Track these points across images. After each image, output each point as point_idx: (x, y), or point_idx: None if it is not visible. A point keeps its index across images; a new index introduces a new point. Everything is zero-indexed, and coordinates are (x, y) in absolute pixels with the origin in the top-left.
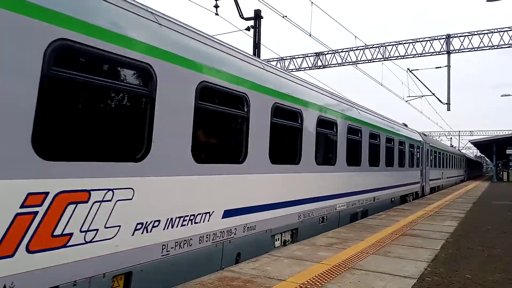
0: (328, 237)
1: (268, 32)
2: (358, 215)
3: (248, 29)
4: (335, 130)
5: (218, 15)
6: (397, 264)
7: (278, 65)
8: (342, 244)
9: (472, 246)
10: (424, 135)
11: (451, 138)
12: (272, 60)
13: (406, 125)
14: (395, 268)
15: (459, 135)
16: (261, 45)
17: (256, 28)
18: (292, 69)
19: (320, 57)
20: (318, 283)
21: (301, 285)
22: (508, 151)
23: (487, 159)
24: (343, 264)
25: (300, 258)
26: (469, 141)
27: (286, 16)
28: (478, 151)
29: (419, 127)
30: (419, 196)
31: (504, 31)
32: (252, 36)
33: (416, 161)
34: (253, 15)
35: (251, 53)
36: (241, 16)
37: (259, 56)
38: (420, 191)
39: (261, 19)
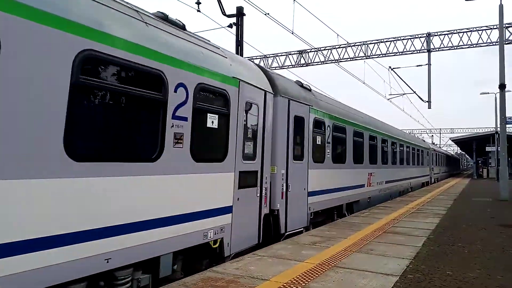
0: (312, 236)
1: (251, 30)
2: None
3: (230, 26)
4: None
5: (200, 11)
6: (380, 261)
7: (262, 63)
8: (326, 242)
9: (453, 242)
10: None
11: (432, 135)
12: (255, 57)
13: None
14: (378, 266)
15: (440, 133)
16: (243, 42)
17: (239, 25)
18: (275, 67)
19: (303, 55)
20: (301, 282)
21: (285, 284)
22: (488, 149)
23: (468, 156)
24: (327, 262)
25: (283, 257)
26: (450, 139)
27: (268, 14)
28: (458, 148)
29: (401, 125)
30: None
31: (483, 30)
32: (235, 34)
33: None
34: (235, 12)
35: (234, 50)
36: (223, 13)
37: (242, 54)
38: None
39: (244, 16)
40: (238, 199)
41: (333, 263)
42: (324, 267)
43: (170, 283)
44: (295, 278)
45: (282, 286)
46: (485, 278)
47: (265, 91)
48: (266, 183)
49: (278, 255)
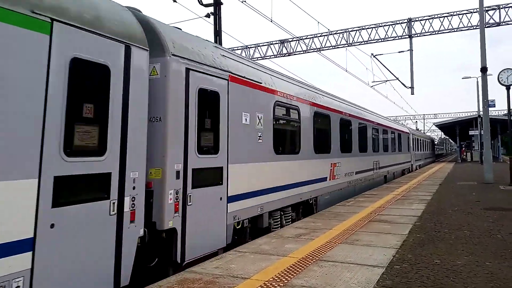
0: (296, 228)
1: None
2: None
3: (208, 16)
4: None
5: (176, 1)
6: (365, 252)
7: (243, 54)
8: (310, 234)
9: (439, 229)
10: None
11: (416, 121)
12: (236, 48)
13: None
14: (363, 257)
15: (424, 119)
16: (222, 32)
17: (216, 15)
18: (257, 58)
19: (285, 45)
20: (284, 279)
21: (266, 282)
22: (471, 132)
23: (451, 141)
24: (311, 256)
25: (266, 252)
26: (434, 124)
27: (245, 1)
28: (442, 133)
29: (385, 112)
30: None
31: (463, 14)
32: (213, 24)
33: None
34: (212, 1)
35: (213, 41)
36: (200, 2)
37: (220, 44)
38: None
39: (221, 5)
40: (52, 225)
41: (317, 257)
42: (307, 261)
43: (148, 285)
44: (278, 275)
45: (263, 285)
46: (473, 266)
47: (129, 45)
48: (134, 191)
49: (261, 250)
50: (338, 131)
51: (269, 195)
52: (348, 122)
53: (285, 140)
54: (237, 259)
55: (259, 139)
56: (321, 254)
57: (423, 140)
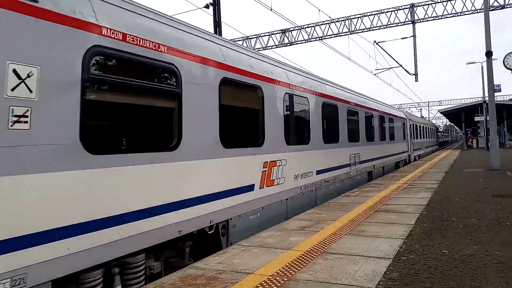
0: (301, 220)
1: (231, 11)
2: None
3: (207, 6)
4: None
5: None
6: (372, 244)
7: (245, 44)
8: (315, 226)
9: (446, 218)
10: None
11: (420, 109)
12: (237, 39)
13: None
14: (369, 248)
15: (429, 106)
16: (222, 23)
17: (216, 5)
18: (259, 48)
19: (286, 34)
20: (288, 273)
21: (270, 277)
22: (476, 118)
23: (457, 128)
24: (316, 248)
25: (270, 246)
26: (439, 111)
27: None
28: (447, 120)
29: (389, 100)
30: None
31: None
32: (212, 14)
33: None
34: None
35: (212, 31)
36: None
37: (220, 34)
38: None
39: None
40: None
41: (322, 249)
42: (312, 254)
43: (148, 283)
44: (282, 269)
45: (266, 279)
46: (483, 255)
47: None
48: None
49: (265, 244)
50: (278, 113)
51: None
52: (302, 100)
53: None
54: (240, 253)
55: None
56: (326, 246)
57: (423, 126)
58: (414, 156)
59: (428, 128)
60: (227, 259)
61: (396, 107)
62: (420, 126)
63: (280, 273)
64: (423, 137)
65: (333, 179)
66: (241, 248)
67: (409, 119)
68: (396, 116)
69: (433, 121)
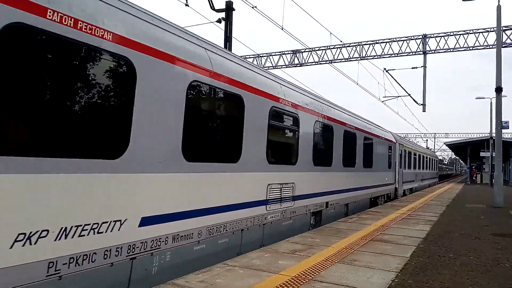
0: (293, 243)
1: (243, 29)
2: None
3: (219, 21)
4: None
5: (188, 5)
6: (363, 275)
7: (255, 62)
8: (307, 251)
9: (444, 253)
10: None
11: (427, 140)
12: (248, 56)
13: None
14: (360, 279)
15: (435, 137)
16: (233, 38)
17: (228, 21)
18: (269, 67)
19: (297, 55)
20: None
21: None
22: (482, 154)
23: (461, 162)
24: (304, 274)
25: (257, 268)
26: (444, 143)
27: (256, 7)
28: (452, 153)
29: (395, 129)
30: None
31: (480, 32)
32: (224, 29)
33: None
34: (224, 7)
35: (222, 46)
36: (212, 7)
37: (230, 49)
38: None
39: (233, 11)
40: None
41: (310, 276)
42: (300, 280)
43: None
44: None
45: None
46: None
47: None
48: None
49: (252, 265)
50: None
51: None
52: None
53: None
54: (224, 273)
55: None
56: (315, 273)
57: (420, 155)
58: (404, 190)
59: (427, 157)
60: (209, 278)
61: (402, 136)
62: (415, 154)
63: None
64: (419, 167)
65: (231, 227)
66: (226, 268)
67: (399, 144)
68: (378, 136)
69: (438, 153)
